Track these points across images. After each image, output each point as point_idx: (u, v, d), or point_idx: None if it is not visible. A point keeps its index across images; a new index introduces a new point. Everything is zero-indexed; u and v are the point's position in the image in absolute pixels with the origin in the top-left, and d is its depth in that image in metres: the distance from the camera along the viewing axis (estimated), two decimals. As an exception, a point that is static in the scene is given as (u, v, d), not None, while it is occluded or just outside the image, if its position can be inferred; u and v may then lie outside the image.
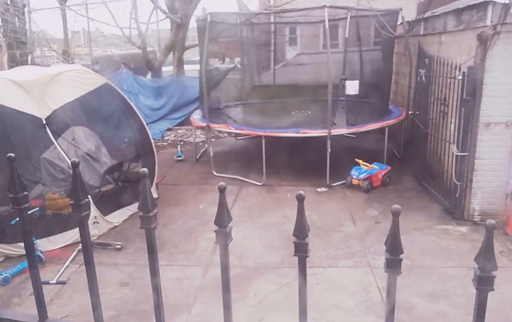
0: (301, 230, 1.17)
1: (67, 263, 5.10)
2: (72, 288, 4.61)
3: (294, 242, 1.17)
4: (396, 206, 1.03)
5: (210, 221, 6.71)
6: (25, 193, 1.56)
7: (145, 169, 1.26)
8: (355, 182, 7.30)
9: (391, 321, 1.15)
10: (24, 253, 5.02)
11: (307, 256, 1.18)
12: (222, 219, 1.21)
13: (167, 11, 11.83)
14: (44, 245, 5.34)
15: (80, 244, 5.12)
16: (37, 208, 5.81)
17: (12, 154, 1.51)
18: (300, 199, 1.14)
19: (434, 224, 5.92)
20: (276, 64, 12.45)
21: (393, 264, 1.07)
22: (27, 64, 8.76)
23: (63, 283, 4.70)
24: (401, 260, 1.06)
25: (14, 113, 5.57)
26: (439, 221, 6.01)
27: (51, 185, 6.19)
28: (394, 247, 1.06)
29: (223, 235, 1.23)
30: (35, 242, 5.23)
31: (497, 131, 5.65)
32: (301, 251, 1.18)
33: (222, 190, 1.18)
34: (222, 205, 1.19)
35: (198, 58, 10.89)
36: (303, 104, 10.34)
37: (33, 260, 1.69)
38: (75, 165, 1.37)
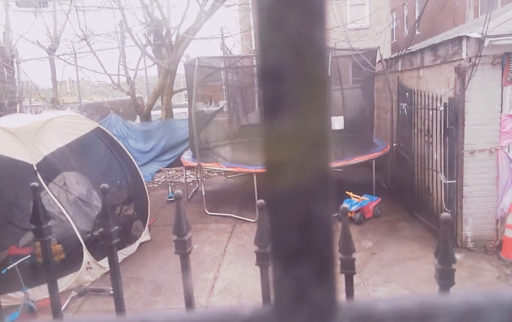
0: (347, 246, 1.16)
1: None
2: (67, 337, 4.44)
3: (340, 259, 1.15)
4: (446, 214, 1.02)
5: (205, 261, 6.62)
6: (49, 224, 1.54)
7: (179, 191, 1.30)
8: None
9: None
10: (14, 304, 4.81)
11: (355, 273, 1.15)
12: (263, 239, 1.20)
13: (154, 57, 12.11)
14: (35, 294, 5.15)
15: (74, 291, 4.93)
16: (28, 256, 5.65)
17: (36, 184, 1.52)
18: (344, 212, 1.15)
19: (429, 253, 5.98)
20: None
21: (446, 275, 1.02)
22: (16, 113, 8.77)
23: (57, 332, 4.52)
24: (454, 270, 1.01)
25: (5, 160, 5.54)
26: (433, 249, 6.04)
27: (41, 232, 6.05)
28: (445, 256, 1.02)
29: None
30: (26, 291, 5.05)
31: (482, 158, 5.87)
32: (348, 268, 1.16)
33: (261, 208, 1.19)
34: (261, 223, 1.20)
35: (183, 102, 11.07)
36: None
37: (56, 299, 1.66)
38: (105, 191, 1.40)
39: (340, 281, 1.23)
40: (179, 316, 0.30)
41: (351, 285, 1.23)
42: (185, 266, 1.34)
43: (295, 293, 0.26)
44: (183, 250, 1.32)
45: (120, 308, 1.55)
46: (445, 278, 1.09)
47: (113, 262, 1.51)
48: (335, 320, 0.26)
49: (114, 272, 1.51)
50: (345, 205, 1.13)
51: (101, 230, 1.56)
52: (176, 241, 1.31)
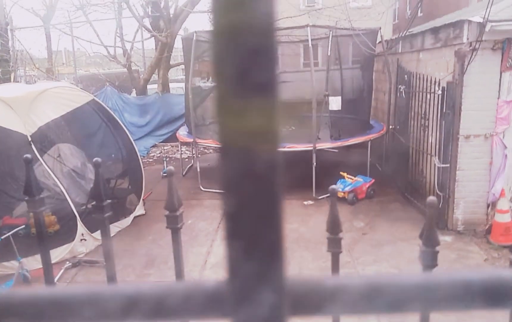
0: (334, 226, 1.18)
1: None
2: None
3: (327, 238, 1.18)
4: (432, 198, 1.04)
5: (198, 236, 6.67)
6: (42, 195, 1.55)
7: (171, 167, 1.30)
8: (340, 194, 7.41)
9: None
10: (8, 273, 4.85)
11: (341, 252, 1.18)
12: None
13: (152, 30, 11.91)
14: (29, 263, 5.20)
15: (68, 262, 4.97)
16: (22, 226, 5.68)
17: (29, 156, 1.52)
18: (333, 193, 1.16)
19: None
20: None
21: (429, 256, 1.05)
22: (10, 82, 8.66)
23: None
24: (438, 252, 1.05)
25: (-1, 130, 5.51)
26: (424, 231, 6.17)
27: (36, 203, 6.07)
28: (430, 238, 1.05)
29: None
30: (20, 260, 5.10)
31: (477, 143, 5.89)
32: (334, 247, 1.19)
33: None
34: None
35: (180, 77, 10.95)
36: (287, 120, 10.49)
37: (49, 271, 1.67)
38: (98, 165, 1.40)
39: (328, 259, 1.25)
40: (146, 287, 0.30)
41: (337, 263, 1.25)
42: (176, 241, 1.36)
43: (244, 268, 0.27)
44: (174, 225, 1.34)
45: (112, 280, 1.57)
46: (429, 260, 1.12)
47: (105, 235, 1.52)
48: (281, 292, 0.28)
49: (107, 244, 1.53)
50: (334, 185, 1.13)
51: (93, 203, 1.57)
52: (168, 216, 1.33)
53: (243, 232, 0.27)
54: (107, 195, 1.51)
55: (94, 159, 1.46)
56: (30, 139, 5.62)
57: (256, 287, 0.28)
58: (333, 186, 1.21)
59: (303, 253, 5.48)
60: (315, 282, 0.29)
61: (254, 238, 0.27)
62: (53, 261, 5.67)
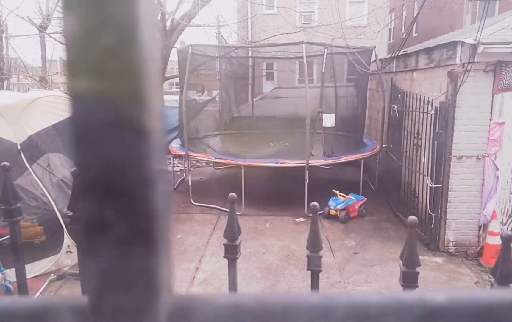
0: (314, 243, 1.15)
1: (37, 294, 4.86)
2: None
3: (307, 256, 1.16)
4: (413, 217, 1.02)
5: (187, 251, 6.57)
6: (19, 204, 1.50)
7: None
8: (332, 212, 7.37)
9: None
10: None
11: (321, 270, 1.16)
12: (233, 232, 1.21)
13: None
14: (13, 275, 5.08)
15: (52, 275, 4.84)
16: (7, 237, 5.56)
17: (7, 163, 1.47)
18: (314, 211, 1.15)
19: (411, 254, 6.02)
20: (253, 97, 12.68)
21: (410, 277, 1.03)
22: (3, 90, 8.62)
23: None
24: (418, 273, 1.02)
25: (-13, 138, 5.44)
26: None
27: (23, 212, 5.96)
28: (410, 259, 1.02)
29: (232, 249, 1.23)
30: (3, 271, 4.98)
31: (469, 164, 5.89)
32: (314, 265, 1.17)
33: (232, 201, 1.19)
34: (232, 217, 1.20)
35: (175, 89, 10.94)
36: (281, 136, 10.50)
37: (23, 280, 1.62)
38: (75, 175, 1.35)
39: (307, 277, 1.21)
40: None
41: (317, 282, 1.22)
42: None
43: (103, 280, 0.25)
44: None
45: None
46: (409, 281, 1.08)
47: (81, 247, 1.47)
48: (152, 313, 0.25)
49: (81, 257, 1.48)
50: (315, 203, 1.11)
51: (70, 214, 1.52)
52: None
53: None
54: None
55: (72, 169, 1.41)
56: (19, 147, 5.55)
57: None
58: (314, 203, 1.19)
59: (293, 271, 5.41)
60: (199, 299, 0.27)
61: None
62: (37, 273, 5.56)
